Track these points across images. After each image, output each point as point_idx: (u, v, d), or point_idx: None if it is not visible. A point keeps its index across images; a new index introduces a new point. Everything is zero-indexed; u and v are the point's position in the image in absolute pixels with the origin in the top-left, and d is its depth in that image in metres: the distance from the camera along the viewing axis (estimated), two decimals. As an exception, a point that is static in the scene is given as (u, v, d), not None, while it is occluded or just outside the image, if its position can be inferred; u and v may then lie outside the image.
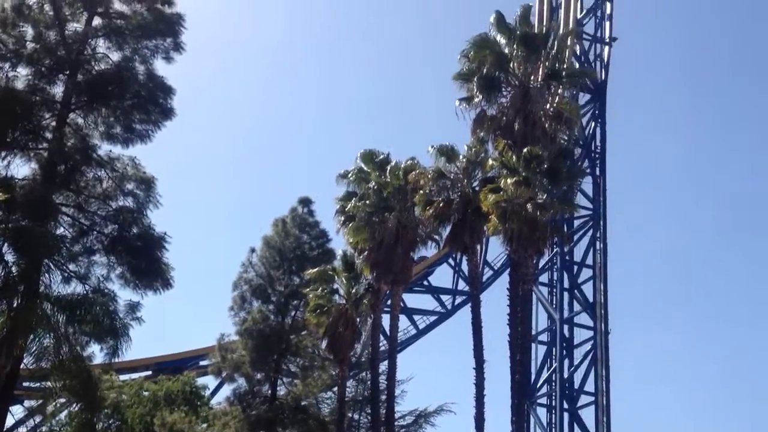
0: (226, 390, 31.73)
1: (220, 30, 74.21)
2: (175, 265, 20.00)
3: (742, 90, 78.31)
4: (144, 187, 20.09)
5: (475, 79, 28.32)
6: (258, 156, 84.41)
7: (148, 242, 19.84)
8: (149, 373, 40.47)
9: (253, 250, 31.22)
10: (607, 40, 38.86)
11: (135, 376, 38.91)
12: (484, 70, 28.21)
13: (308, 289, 28.92)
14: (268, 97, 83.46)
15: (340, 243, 30.48)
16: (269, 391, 30.34)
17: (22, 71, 19.33)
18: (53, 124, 19.32)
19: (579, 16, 39.10)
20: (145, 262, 19.80)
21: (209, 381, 36.91)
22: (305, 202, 31.78)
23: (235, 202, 79.92)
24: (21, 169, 19.06)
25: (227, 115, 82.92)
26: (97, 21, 19.95)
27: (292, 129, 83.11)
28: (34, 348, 17.75)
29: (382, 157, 29.43)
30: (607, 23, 39.25)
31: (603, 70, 38.45)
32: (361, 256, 28.42)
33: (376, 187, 28.46)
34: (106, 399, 25.81)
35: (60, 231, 19.06)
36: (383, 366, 29.37)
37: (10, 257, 17.75)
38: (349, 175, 29.46)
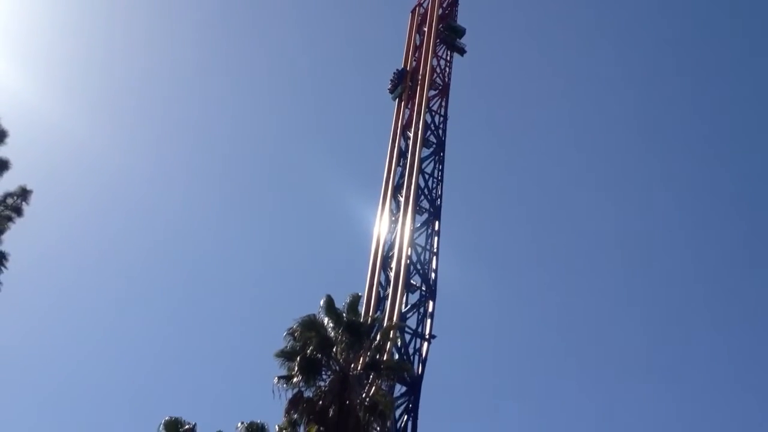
0: None
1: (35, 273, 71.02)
2: None
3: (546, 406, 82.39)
4: None
5: (297, 359, 28.31)
6: (51, 410, 77.32)
7: None
8: None
9: None
10: (427, 337, 40.49)
11: None
12: (307, 352, 28.33)
13: None
14: (69, 345, 78.76)
15: None
16: None
17: None
18: None
19: (403, 310, 40.88)
20: None
21: None
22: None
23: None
24: None
25: (23, 360, 76.98)
26: None
27: (92, 385, 77.90)
28: None
29: (187, 427, 27.99)
30: (428, 321, 41.13)
31: (420, 365, 39.60)
32: None
33: (174, 461, 26.69)
34: None
35: None
36: None
37: None
38: (148, 444, 27.65)
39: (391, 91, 49.69)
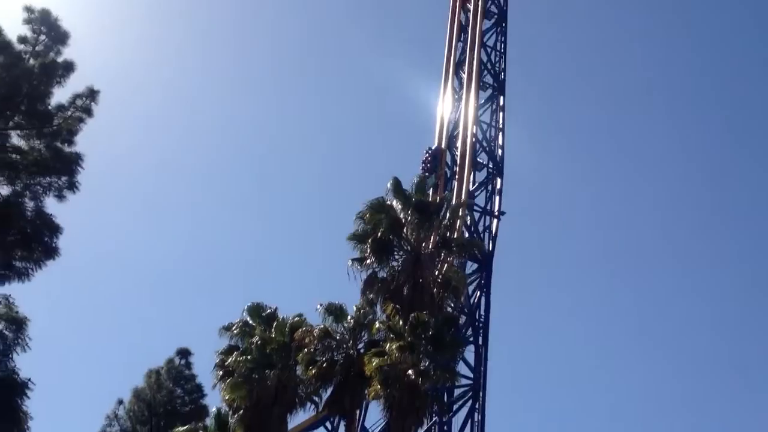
0: None
1: (115, 172, 72.72)
2: (35, 414, 18.65)
3: (615, 272, 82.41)
4: (14, 328, 19.03)
5: (369, 241, 28.78)
6: (141, 302, 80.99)
7: (9, 388, 18.53)
8: None
9: (120, 402, 29.57)
10: (496, 214, 40.65)
11: None
12: (379, 233, 28.74)
13: (174, 450, 27.39)
14: (153, 240, 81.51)
15: (216, 399, 29.33)
16: None
17: None
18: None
19: (471, 189, 40.95)
20: (3, 409, 18.39)
21: None
22: (183, 353, 30.68)
23: (111, 348, 75.85)
24: None
25: (112, 257, 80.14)
26: (-9, 154, 19.39)
27: (181, 278, 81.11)
28: None
29: (269, 311, 28.97)
30: (497, 198, 41.18)
31: (490, 242, 39.95)
32: (236, 415, 27.27)
33: (259, 343, 27.76)
34: None
35: None
36: None
37: None
38: (233, 328, 28.75)
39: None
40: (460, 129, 42.58)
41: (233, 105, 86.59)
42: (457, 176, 41.10)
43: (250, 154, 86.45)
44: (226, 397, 27.51)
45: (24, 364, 18.74)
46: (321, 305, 27.60)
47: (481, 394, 37.01)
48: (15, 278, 19.09)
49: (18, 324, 18.78)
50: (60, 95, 21.28)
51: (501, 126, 42.92)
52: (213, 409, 29.19)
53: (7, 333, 18.71)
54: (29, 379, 18.56)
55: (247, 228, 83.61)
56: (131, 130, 77.06)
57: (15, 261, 19.06)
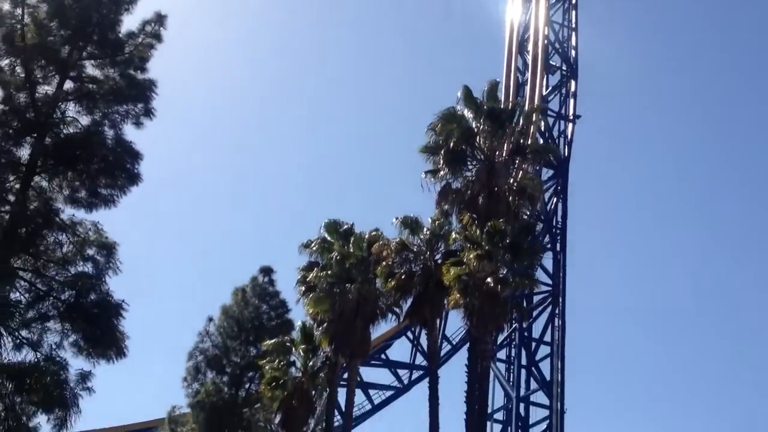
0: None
1: (187, 97, 73.76)
2: (130, 333, 19.51)
3: (698, 173, 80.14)
4: (105, 253, 19.65)
5: (442, 152, 28.57)
6: (221, 224, 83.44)
7: (104, 310, 19.30)
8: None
9: (210, 320, 30.90)
10: (571, 118, 39.81)
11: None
12: (451, 144, 28.48)
13: (264, 361, 28.44)
14: (233, 163, 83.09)
15: (300, 314, 30.23)
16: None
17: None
18: (17, 186, 18.98)
19: (544, 93, 40.09)
20: (100, 330, 19.25)
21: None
22: (266, 271, 31.61)
23: (197, 270, 78.88)
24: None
25: (191, 181, 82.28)
26: (68, 84, 19.79)
27: (258, 198, 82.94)
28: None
29: (346, 227, 29.33)
30: (571, 101, 40.27)
31: (566, 147, 39.33)
32: (320, 328, 28.10)
33: (338, 258, 28.26)
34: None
35: (15, 296, 18.51)
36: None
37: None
38: (312, 245, 29.29)
39: None
40: (531, 31, 41.41)
41: (299, 24, 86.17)
42: (529, 81, 40.25)
43: (320, 72, 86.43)
44: (310, 311, 28.29)
45: (117, 287, 19.53)
46: (397, 218, 27.75)
47: (560, 299, 37.07)
48: (102, 205, 19.69)
49: (108, 249, 19.42)
50: (129, 22, 21.39)
51: (574, 26, 41.55)
52: (298, 323, 30.15)
53: (98, 258, 19.37)
54: (123, 301, 19.32)
55: (320, 146, 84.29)
56: (202, 53, 77.62)
57: (100, 188, 19.61)
